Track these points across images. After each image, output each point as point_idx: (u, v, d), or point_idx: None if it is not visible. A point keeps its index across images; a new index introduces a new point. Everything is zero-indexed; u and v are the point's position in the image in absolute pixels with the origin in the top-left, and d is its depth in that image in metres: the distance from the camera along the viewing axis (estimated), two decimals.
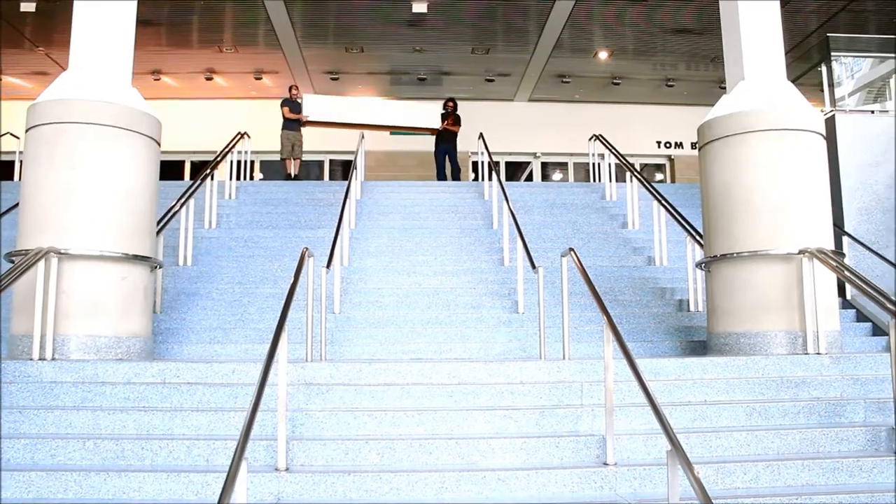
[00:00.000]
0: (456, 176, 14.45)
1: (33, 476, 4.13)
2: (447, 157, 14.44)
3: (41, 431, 4.70)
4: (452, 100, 14.66)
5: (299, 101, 14.14)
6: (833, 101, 10.85)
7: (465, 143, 16.58)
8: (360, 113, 14.29)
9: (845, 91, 11.20)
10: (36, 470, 4.19)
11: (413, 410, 4.88)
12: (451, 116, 14.39)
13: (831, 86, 11.00)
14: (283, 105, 13.93)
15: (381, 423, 4.79)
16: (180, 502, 4.06)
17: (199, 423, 4.77)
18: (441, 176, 14.48)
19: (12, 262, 5.87)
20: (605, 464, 4.41)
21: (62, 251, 5.85)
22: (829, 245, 6.59)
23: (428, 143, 17.66)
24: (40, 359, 5.63)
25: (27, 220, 6.10)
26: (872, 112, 10.40)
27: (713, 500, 3.02)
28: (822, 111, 10.20)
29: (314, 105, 14.27)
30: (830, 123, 9.86)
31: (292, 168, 13.95)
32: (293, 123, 13.86)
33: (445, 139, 14.38)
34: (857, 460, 4.48)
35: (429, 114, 14.47)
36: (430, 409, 4.97)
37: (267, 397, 4.05)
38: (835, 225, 7.14)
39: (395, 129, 15.36)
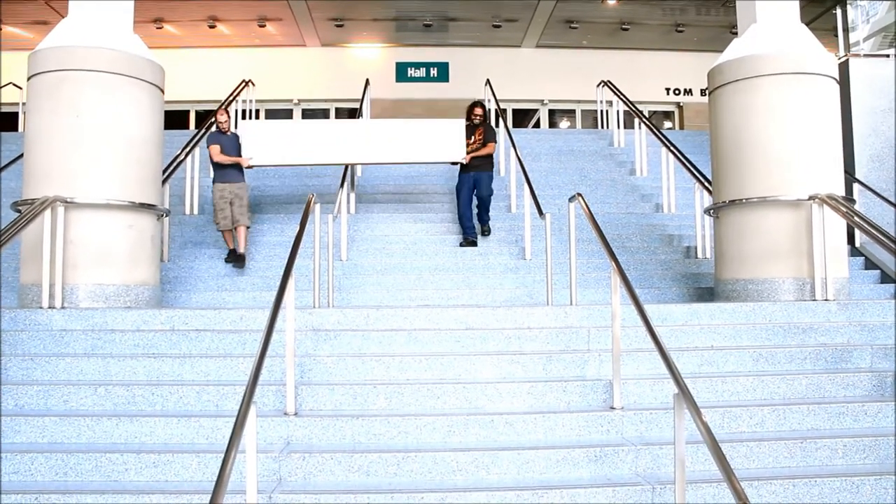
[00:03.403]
0: (483, 224, 8.67)
1: (47, 421, 4.20)
2: (476, 194, 8.62)
3: (53, 378, 4.77)
4: (480, 104, 9.04)
5: (234, 133, 8.53)
6: (847, 46, 10.65)
7: (473, 92, 16.41)
8: (339, 142, 8.37)
9: (860, 36, 10.98)
10: (49, 415, 4.26)
11: (421, 355, 4.92)
12: (479, 129, 8.77)
13: (846, 30, 10.79)
14: (209, 143, 8.24)
15: (388, 368, 4.83)
16: (191, 446, 4.11)
17: (208, 369, 4.82)
18: (469, 226, 8.43)
19: (19, 211, 5.87)
20: (612, 408, 4.44)
21: (68, 200, 5.84)
22: (840, 192, 6.53)
23: (440, 90, 17.26)
24: (50, 307, 5.67)
25: (32, 169, 6.08)
26: (888, 56, 10.19)
27: (719, 444, 3.04)
28: (836, 56, 10.02)
29: (261, 136, 8.45)
30: (844, 68, 9.69)
31: (242, 240, 7.90)
32: (230, 171, 8.14)
33: (474, 165, 8.58)
34: (862, 405, 4.50)
35: (449, 138, 8.52)
36: (438, 354, 5.00)
37: (275, 343, 4.07)
38: (846, 172, 7.06)
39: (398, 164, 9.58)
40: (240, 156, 8.22)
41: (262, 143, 8.33)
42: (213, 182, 8.25)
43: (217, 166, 8.23)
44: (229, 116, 8.54)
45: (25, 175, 6.16)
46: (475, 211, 8.62)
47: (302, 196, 9.12)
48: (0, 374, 4.73)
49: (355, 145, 8.43)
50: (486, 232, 8.62)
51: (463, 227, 8.42)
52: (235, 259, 7.87)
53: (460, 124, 8.64)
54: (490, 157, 8.75)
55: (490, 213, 8.70)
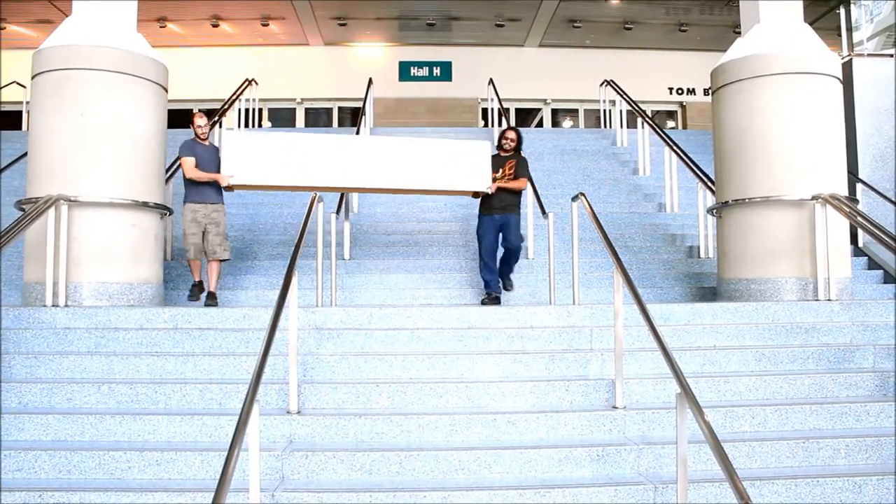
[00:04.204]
0: (506, 278, 7.25)
1: (50, 419, 4.21)
2: (503, 236, 7.04)
3: (57, 376, 4.78)
4: (515, 128, 7.40)
5: (213, 144, 7.20)
6: (851, 46, 10.62)
7: (476, 91, 16.39)
8: (338, 161, 6.77)
9: (864, 35, 10.95)
10: (53, 413, 4.27)
11: (423, 354, 4.93)
12: (510, 162, 7.13)
13: (849, 29, 10.76)
14: (183, 152, 6.76)
15: (391, 367, 4.83)
16: (194, 444, 4.12)
17: (211, 368, 4.83)
18: (492, 278, 6.96)
19: (23, 210, 5.88)
20: (615, 407, 4.44)
21: (72, 198, 5.86)
22: (843, 191, 6.53)
23: (442, 89, 17.05)
24: (53, 305, 5.69)
25: (36, 168, 6.10)
26: (891, 56, 10.17)
27: (722, 443, 3.04)
28: (839, 55, 10.00)
29: (248, 150, 6.66)
30: (847, 68, 9.67)
31: (214, 277, 6.74)
32: (206, 188, 6.75)
33: (499, 206, 7.01)
34: (864, 405, 4.50)
35: (472, 163, 6.87)
36: (441, 353, 5.01)
37: (278, 342, 4.08)
38: (849, 171, 7.06)
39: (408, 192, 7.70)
40: (218, 171, 6.64)
41: (245, 159, 6.60)
42: (185, 201, 6.77)
43: (190, 185, 6.75)
44: (206, 119, 7.02)
45: (29, 173, 6.17)
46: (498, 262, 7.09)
47: (303, 195, 9.13)
48: (3, 372, 4.74)
49: (356, 166, 6.82)
50: (508, 287, 7.23)
51: (484, 279, 6.99)
52: (207, 298, 6.64)
53: (486, 147, 6.98)
54: (519, 196, 7.19)
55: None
